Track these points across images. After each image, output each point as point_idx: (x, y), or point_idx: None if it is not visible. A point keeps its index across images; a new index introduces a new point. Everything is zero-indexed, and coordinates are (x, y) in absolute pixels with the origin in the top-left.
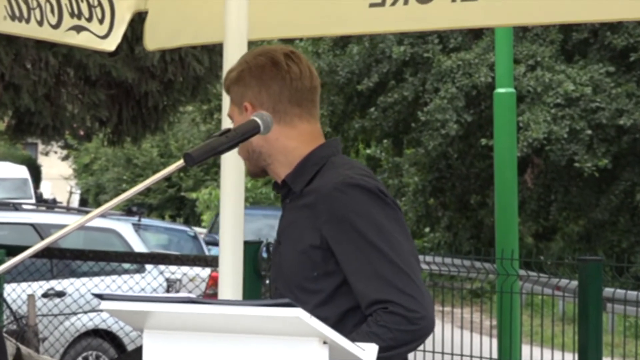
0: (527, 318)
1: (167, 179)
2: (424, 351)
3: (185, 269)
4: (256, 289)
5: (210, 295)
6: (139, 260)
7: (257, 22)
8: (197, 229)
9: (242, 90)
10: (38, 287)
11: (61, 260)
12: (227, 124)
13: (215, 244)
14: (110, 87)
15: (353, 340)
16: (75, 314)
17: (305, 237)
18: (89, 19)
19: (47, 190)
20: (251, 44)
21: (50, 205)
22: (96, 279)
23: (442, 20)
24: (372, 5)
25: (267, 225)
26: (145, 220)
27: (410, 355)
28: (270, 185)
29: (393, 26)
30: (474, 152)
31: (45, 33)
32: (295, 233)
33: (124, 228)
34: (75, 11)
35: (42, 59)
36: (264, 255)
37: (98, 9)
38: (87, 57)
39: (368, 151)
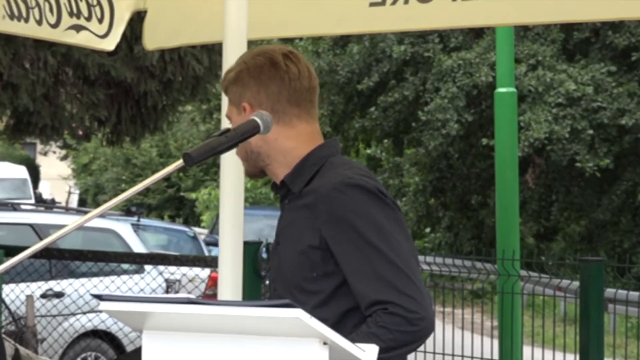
0: (528, 319)
1: (167, 179)
2: (425, 352)
3: (184, 269)
4: (256, 289)
5: (209, 295)
6: (138, 261)
7: (256, 22)
8: (197, 229)
9: (241, 91)
10: (37, 288)
11: (60, 260)
12: (226, 123)
13: (216, 244)
14: (109, 87)
15: (353, 341)
16: (74, 314)
17: (304, 238)
18: (88, 18)
19: (46, 190)
20: (251, 43)
21: (48, 205)
22: (95, 280)
23: (443, 20)
24: (372, 4)
25: (269, 226)
26: (144, 221)
27: (411, 356)
28: (270, 185)
29: (393, 25)
30: (475, 152)
31: (44, 32)
32: (294, 233)
33: (123, 228)
34: (74, 10)
35: (40, 58)
36: (264, 255)
37: (97, 8)
38: (86, 57)
39: (368, 151)
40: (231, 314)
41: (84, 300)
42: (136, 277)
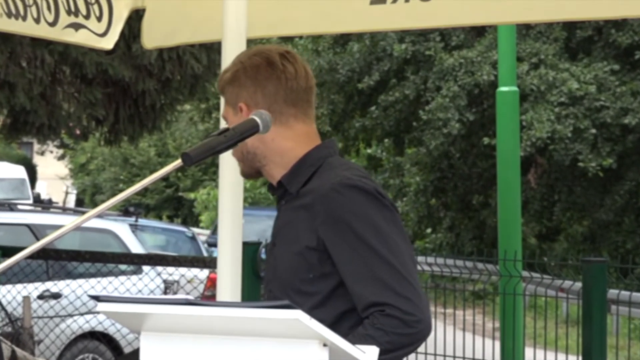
0: (531, 320)
1: (165, 178)
2: (426, 354)
3: (183, 270)
4: (255, 290)
5: (208, 296)
6: (136, 262)
7: (256, 20)
8: (195, 230)
9: (237, 91)
10: (34, 289)
11: (57, 261)
12: (225, 123)
13: None
14: (106, 86)
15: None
16: (71, 316)
17: (301, 239)
18: (87, 17)
19: (43, 190)
20: (250, 42)
21: (46, 205)
22: (92, 281)
23: (444, 18)
24: (373, 2)
25: (271, 227)
26: (142, 221)
27: (412, 357)
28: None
29: (394, 24)
30: (477, 151)
31: (42, 31)
32: (291, 234)
33: (121, 229)
34: (72, 9)
35: (37, 57)
36: (263, 256)
37: (95, 6)
38: (83, 55)
39: (369, 151)
40: (230, 315)
41: (82, 302)
42: (134, 278)
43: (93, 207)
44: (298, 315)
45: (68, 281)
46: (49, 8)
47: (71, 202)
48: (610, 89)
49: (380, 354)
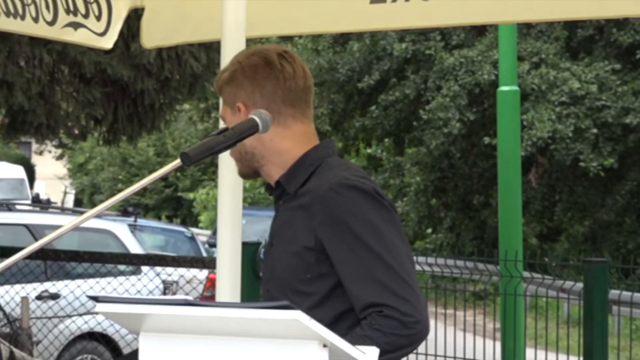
0: (532, 321)
1: (164, 178)
2: (426, 354)
3: (182, 270)
4: (255, 290)
5: (207, 297)
6: (135, 262)
7: (255, 19)
8: (194, 230)
9: (235, 91)
10: (32, 289)
11: (55, 261)
12: (224, 123)
13: None
14: (105, 85)
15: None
16: (69, 316)
17: (299, 239)
18: (86, 16)
19: (41, 190)
20: (249, 41)
21: (44, 205)
22: (91, 281)
23: (445, 17)
24: (373, 1)
25: None
26: (141, 221)
27: (412, 358)
28: None
29: (394, 23)
30: (477, 151)
31: (41, 30)
32: (288, 234)
33: (120, 229)
34: (71, 7)
35: (36, 56)
36: (263, 256)
37: (94, 5)
38: (82, 55)
39: (369, 150)
40: (229, 315)
41: (80, 302)
42: (133, 278)
43: (92, 207)
44: (298, 316)
45: (66, 282)
46: (47, 7)
47: (70, 202)
48: (611, 89)
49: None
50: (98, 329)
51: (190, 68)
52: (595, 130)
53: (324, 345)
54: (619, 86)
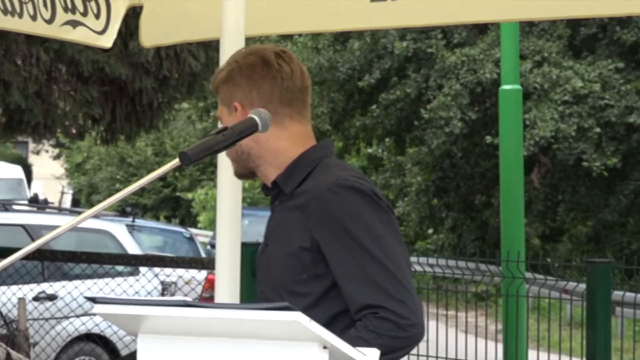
0: (534, 322)
1: (162, 178)
2: (427, 356)
3: (180, 271)
4: (254, 291)
5: (206, 298)
6: (133, 263)
7: (254, 18)
8: (193, 230)
9: (232, 90)
10: (29, 290)
11: (53, 262)
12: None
13: None
14: (103, 84)
15: None
16: (67, 317)
17: (295, 239)
18: (84, 14)
19: (39, 190)
20: (249, 40)
21: (41, 205)
22: (89, 282)
23: (446, 15)
24: None
25: None
26: (139, 221)
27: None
28: None
29: (395, 21)
30: (479, 150)
31: (39, 28)
32: (284, 235)
33: (118, 229)
34: (69, 5)
35: (33, 54)
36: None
37: (93, 3)
38: (80, 53)
39: (369, 150)
40: (228, 317)
41: (78, 303)
42: (131, 279)
43: (89, 207)
44: (298, 317)
45: (64, 282)
46: (45, 5)
47: (67, 202)
48: (614, 87)
49: None
50: (96, 330)
51: (189, 67)
52: (598, 130)
53: (324, 347)
54: (623, 85)
